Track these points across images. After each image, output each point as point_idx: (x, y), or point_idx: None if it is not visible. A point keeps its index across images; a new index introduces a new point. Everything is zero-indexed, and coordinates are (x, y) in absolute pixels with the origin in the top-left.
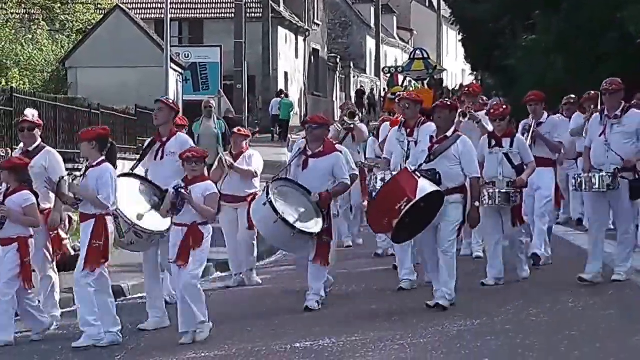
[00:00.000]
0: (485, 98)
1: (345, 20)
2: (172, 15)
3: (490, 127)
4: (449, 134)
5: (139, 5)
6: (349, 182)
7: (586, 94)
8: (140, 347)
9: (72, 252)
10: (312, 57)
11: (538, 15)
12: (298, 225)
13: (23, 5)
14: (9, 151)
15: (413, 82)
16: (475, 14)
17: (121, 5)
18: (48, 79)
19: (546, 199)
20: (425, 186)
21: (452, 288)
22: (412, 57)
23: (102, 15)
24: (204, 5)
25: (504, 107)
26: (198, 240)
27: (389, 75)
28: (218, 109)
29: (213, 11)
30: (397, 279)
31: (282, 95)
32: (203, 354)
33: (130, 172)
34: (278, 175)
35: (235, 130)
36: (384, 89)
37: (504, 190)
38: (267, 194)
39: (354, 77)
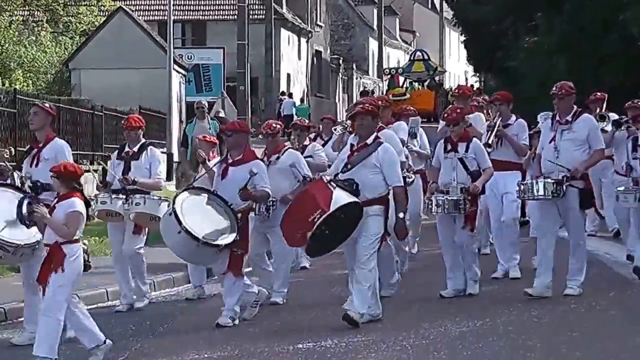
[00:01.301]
0: (487, 98)
1: (348, 22)
2: (175, 17)
3: (481, 130)
4: (369, 141)
5: (142, 7)
6: (269, 192)
7: (592, 96)
8: (144, 347)
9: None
10: (315, 59)
11: (540, 16)
12: (203, 236)
13: (26, 7)
14: (12, 150)
15: (416, 84)
16: (478, 16)
17: (124, 7)
18: (51, 80)
19: (514, 202)
20: (340, 197)
21: (370, 304)
22: (412, 58)
23: (105, 17)
24: (206, 6)
25: (458, 110)
26: (58, 261)
27: (389, 76)
28: (222, 111)
29: (216, 13)
30: (402, 282)
31: (285, 97)
32: (205, 355)
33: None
34: (191, 184)
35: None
36: (373, 91)
37: (453, 198)
38: (173, 203)
39: (356, 78)
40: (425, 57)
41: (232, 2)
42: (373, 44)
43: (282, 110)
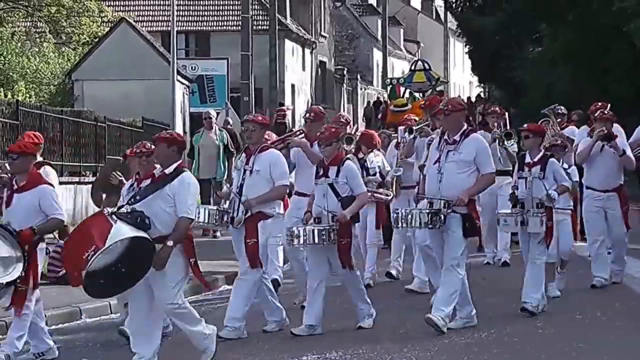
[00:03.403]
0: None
1: (352, 32)
2: (179, 28)
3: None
4: (170, 170)
5: (146, 18)
6: (62, 219)
7: (593, 106)
8: None
9: None
10: (319, 70)
11: (545, 27)
12: None
13: (29, 18)
14: None
15: (416, 94)
16: (482, 26)
17: (127, 18)
18: (54, 91)
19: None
20: (119, 232)
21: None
22: (413, 68)
23: (108, 28)
24: (210, 17)
25: (333, 129)
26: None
27: (390, 86)
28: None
29: (220, 24)
30: (404, 293)
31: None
32: None
33: None
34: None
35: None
36: (385, 101)
37: (314, 228)
38: None
39: (361, 89)
40: (427, 67)
41: (235, 13)
42: (377, 55)
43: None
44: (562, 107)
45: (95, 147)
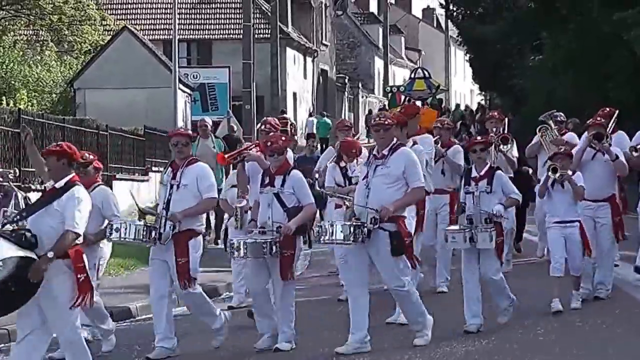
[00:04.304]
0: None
1: (354, 40)
2: (181, 36)
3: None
4: (60, 184)
5: (147, 26)
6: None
7: (600, 110)
8: None
9: None
10: (321, 78)
11: (545, 35)
12: None
13: (31, 27)
14: (16, 170)
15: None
16: (483, 35)
17: (129, 27)
18: (56, 100)
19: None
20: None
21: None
22: (413, 76)
23: (110, 37)
24: (212, 26)
25: (283, 139)
26: None
27: (390, 94)
28: (226, 130)
29: (221, 32)
30: None
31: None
32: None
33: None
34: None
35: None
36: (386, 109)
37: (251, 241)
38: None
39: (362, 97)
40: (427, 75)
41: (237, 21)
42: (379, 63)
43: (305, 129)
44: (562, 114)
45: (97, 156)
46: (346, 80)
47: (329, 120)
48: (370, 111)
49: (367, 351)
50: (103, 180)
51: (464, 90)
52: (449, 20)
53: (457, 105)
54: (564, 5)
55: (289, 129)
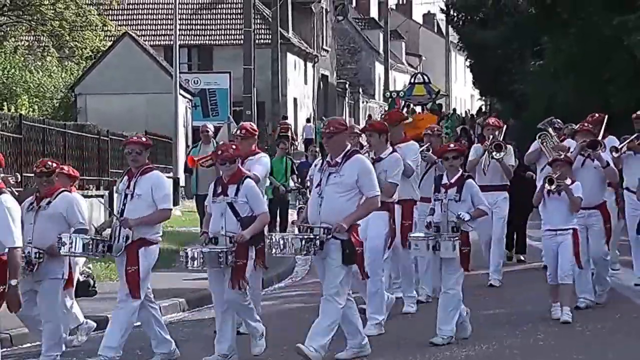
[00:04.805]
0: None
1: (354, 46)
2: (181, 42)
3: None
4: None
5: (148, 32)
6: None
7: (589, 116)
8: None
9: (81, 278)
10: (321, 83)
11: (546, 40)
12: None
13: (32, 33)
14: (18, 176)
15: (417, 107)
16: (483, 40)
17: (130, 32)
18: (57, 105)
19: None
20: None
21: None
22: (412, 81)
23: (111, 42)
24: (213, 31)
25: (234, 147)
26: None
27: (390, 99)
28: (227, 136)
29: (222, 38)
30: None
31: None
32: None
33: None
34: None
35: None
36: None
37: (207, 250)
38: None
39: (363, 102)
40: (426, 80)
41: (238, 26)
42: (379, 68)
43: (304, 135)
44: (559, 121)
45: (98, 161)
46: (347, 86)
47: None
48: (370, 116)
49: (366, 355)
50: (104, 185)
51: (464, 95)
52: (449, 26)
53: (454, 110)
54: (565, 9)
55: (289, 135)
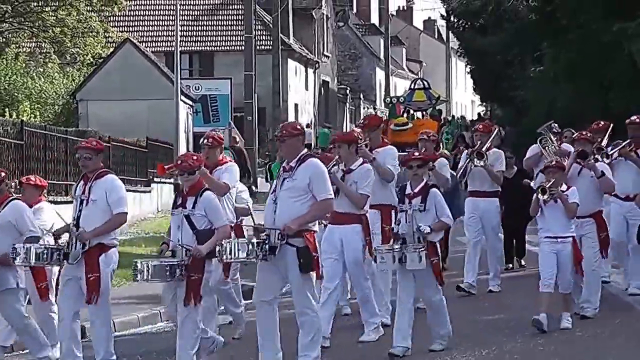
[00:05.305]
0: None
1: (355, 52)
2: (182, 48)
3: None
4: None
5: (149, 38)
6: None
7: (594, 124)
8: None
9: None
10: (322, 89)
11: (546, 46)
12: None
13: (34, 39)
14: (18, 182)
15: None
16: (484, 46)
17: (131, 39)
18: (59, 111)
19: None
20: None
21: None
22: (412, 87)
23: (112, 49)
24: (214, 38)
25: (194, 158)
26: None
27: (390, 105)
28: (227, 141)
29: (223, 44)
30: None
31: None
32: None
33: None
34: None
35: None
36: (385, 120)
37: (155, 263)
38: None
39: (364, 108)
40: (426, 85)
41: (239, 33)
42: (380, 74)
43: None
44: (556, 125)
45: None
46: (347, 92)
47: (327, 131)
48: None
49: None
50: None
51: (465, 101)
52: (450, 32)
53: (453, 117)
54: (565, 16)
55: None
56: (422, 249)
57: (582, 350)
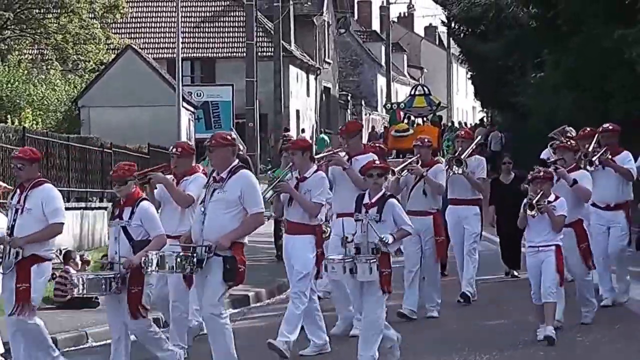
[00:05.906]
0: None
1: (356, 58)
2: (184, 55)
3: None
4: None
5: (151, 44)
6: None
7: (581, 131)
8: None
9: None
10: (324, 95)
11: (547, 52)
12: None
13: (36, 46)
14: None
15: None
16: (484, 52)
17: (133, 45)
18: (61, 118)
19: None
20: None
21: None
22: (413, 93)
23: (114, 55)
24: (215, 44)
25: (127, 168)
26: None
27: (391, 111)
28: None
29: (225, 50)
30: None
31: (288, 134)
32: None
33: None
34: None
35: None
36: (385, 126)
37: (91, 276)
38: None
39: (365, 114)
40: (427, 92)
41: (240, 39)
42: (381, 80)
43: None
44: (572, 128)
45: (101, 174)
46: (349, 98)
47: (326, 137)
48: (373, 128)
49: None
50: (107, 198)
51: (466, 107)
52: (450, 38)
53: (453, 123)
54: (565, 22)
55: None
56: (374, 260)
57: (583, 355)
